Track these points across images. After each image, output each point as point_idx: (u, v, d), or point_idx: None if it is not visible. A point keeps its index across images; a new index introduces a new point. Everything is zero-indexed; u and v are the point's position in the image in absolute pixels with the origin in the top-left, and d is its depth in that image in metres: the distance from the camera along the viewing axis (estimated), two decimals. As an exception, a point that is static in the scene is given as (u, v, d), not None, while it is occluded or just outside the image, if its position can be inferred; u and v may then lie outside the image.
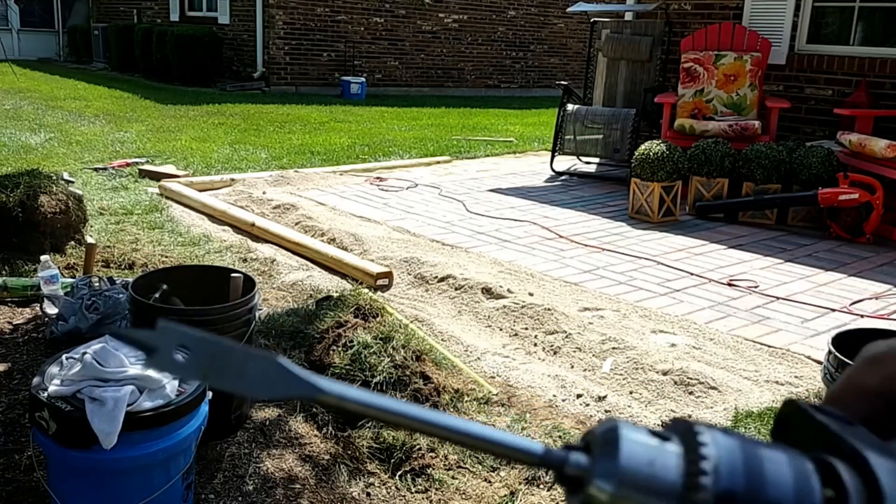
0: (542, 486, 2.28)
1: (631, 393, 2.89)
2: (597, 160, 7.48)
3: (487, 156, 8.24)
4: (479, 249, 4.61)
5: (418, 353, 2.83)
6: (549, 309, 3.53)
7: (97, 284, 3.10)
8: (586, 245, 4.79)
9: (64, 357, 1.98)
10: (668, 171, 5.36)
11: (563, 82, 7.48)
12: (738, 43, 6.33)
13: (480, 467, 2.38)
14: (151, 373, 1.90)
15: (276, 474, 2.29)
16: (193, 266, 3.24)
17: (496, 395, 2.82)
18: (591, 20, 7.44)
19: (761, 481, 0.25)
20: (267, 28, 13.31)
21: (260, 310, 3.21)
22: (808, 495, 0.26)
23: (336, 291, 3.51)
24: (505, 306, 3.62)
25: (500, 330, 3.46)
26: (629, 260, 4.50)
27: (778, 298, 3.91)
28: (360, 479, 2.32)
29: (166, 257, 4.14)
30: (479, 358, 3.14)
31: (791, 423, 0.29)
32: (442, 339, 3.28)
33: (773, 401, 2.82)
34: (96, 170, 6.29)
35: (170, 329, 0.27)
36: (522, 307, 3.58)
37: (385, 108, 11.96)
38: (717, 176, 5.57)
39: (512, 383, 2.93)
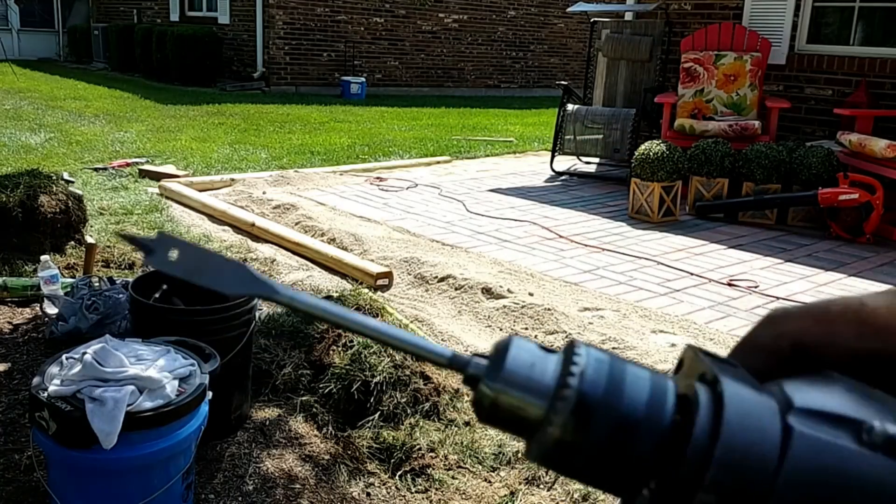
0: (542, 486, 2.28)
1: (631, 393, 2.89)
2: (597, 160, 7.48)
3: (487, 156, 8.24)
4: (479, 249, 4.61)
5: (418, 353, 2.83)
6: (549, 309, 3.53)
7: (97, 284, 3.10)
8: (586, 245, 4.79)
9: (64, 357, 1.98)
10: (668, 171, 5.36)
11: (563, 82, 7.49)
12: (738, 43, 6.33)
13: (480, 467, 2.38)
14: (151, 373, 1.90)
15: (276, 474, 2.30)
16: (193, 266, 3.24)
17: (496, 395, 2.82)
18: (591, 20, 7.44)
19: (620, 389, 0.29)
20: (267, 28, 13.31)
21: (260, 310, 3.21)
22: (659, 406, 0.29)
23: (336, 291, 3.51)
24: (505, 306, 3.62)
25: (500, 330, 3.46)
26: (629, 260, 4.50)
27: (778, 298, 3.91)
28: (360, 479, 2.32)
29: (166, 257, 4.14)
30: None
31: (683, 363, 0.33)
32: (442, 339, 3.29)
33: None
34: (96, 170, 6.29)
35: (165, 237, 0.33)
36: (522, 307, 3.58)
37: (385, 108, 11.96)
38: (717, 176, 5.57)
39: (512, 383, 2.93)
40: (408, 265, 4.17)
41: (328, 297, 3.31)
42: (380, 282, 3.91)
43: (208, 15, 14.56)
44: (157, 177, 6.08)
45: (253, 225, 4.83)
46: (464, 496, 2.27)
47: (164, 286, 2.55)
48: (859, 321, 0.31)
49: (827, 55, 6.19)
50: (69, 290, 3.13)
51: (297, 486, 2.26)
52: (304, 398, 2.67)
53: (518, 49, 16.61)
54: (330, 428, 2.56)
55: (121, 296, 3.04)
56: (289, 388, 2.73)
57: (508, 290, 3.77)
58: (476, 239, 4.85)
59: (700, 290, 4.02)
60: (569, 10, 7.93)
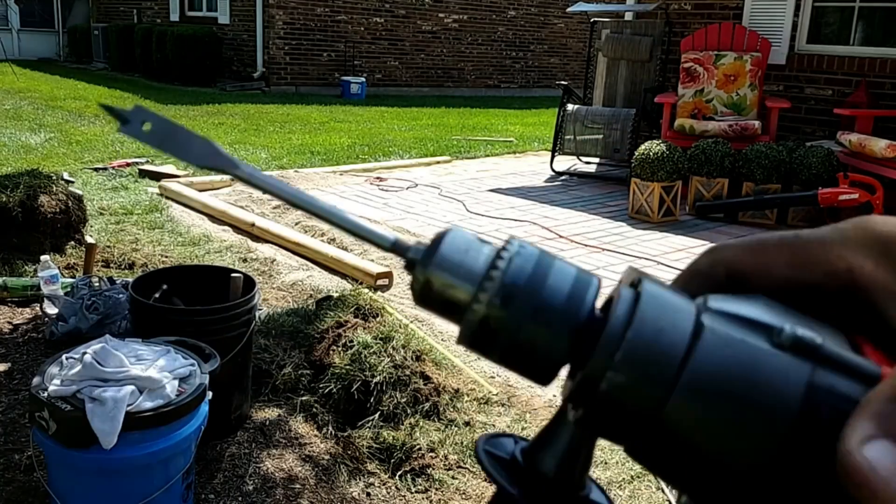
0: (542, 486, 2.28)
1: (631, 393, 2.89)
2: (597, 160, 7.48)
3: (487, 156, 8.24)
4: (479, 249, 4.61)
5: (418, 352, 2.83)
6: (549, 309, 3.53)
7: (97, 284, 3.10)
8: (586, 245, 4.79)
9: (64, 357, 1.98)
10: (668, 171, 5.36)
11: (563, 82, 7.49)
12: (738, 43, 6.33)
13: (480, 468, 2.38)
14: (151, 373, 1.90)
15: (276, 474, 2.30)
16: (193, 266, 3.24)
17: (496, 394, 2.82)
18: (591, 20, 7.44)
19: (544, 278, 0.31)
20: (267, 28, 13.31)
21: (260, 310, 3.21)
22: (580, 297, 0.31)
23: (336, 291, 3.51)
24: (505, 306, 3.61)
25: (500, 330, 3.46)
26: (629, 260, 4.51)
27: (778, 298, 3.91)
28: (360, 479, 2.32)
29: (166, 257, 4.14)
30: (479, 358, 3.14)
31: (622, 279, 0.34)
32: (442, 339, 3.29)
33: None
34: (96, 170, 6.29)
35: (142, 109, 0.35)
36: (522, 307, 3.58)
37: (385, 108, 11.96)
38: (717, 176, 5.57)
39: (512, 383, 2.93)
40: (408, 265, 4.17)
41: (327, 298, 3.31)
42: (380, 282, 3.91)
43: (208, 15, 14.56)
44: (157, 177, 6.08)
45: (253, 225, 4.83)
46: (464, 496, 2.27)
47: (164, 286, 2.55)
48: (791, 252, 0.32)
49: (827, 55, 6.19)
50: (69, 290, 3.13)
51: (297, 486, 2.26)
52: (304, 398, 2.67)
53: (518, 49, 16.61)
54: (330, 428, 2.56)
55: (121, 296, 3.04)
56: (289, 388, 2.73)
57: (508, 290, 3.77)
58: (476, 239, 4.85)
59: (700, 290, 4.02)
60: (569, 10, 7.93)
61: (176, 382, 1.93)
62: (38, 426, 1.84)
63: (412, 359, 2.77)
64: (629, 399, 0.29)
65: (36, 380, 1.90)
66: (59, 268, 3.48)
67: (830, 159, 5.29)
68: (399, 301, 3.73)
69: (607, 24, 7.28)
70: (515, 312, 0.30)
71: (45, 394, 1.84)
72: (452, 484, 2.30)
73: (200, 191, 5.65)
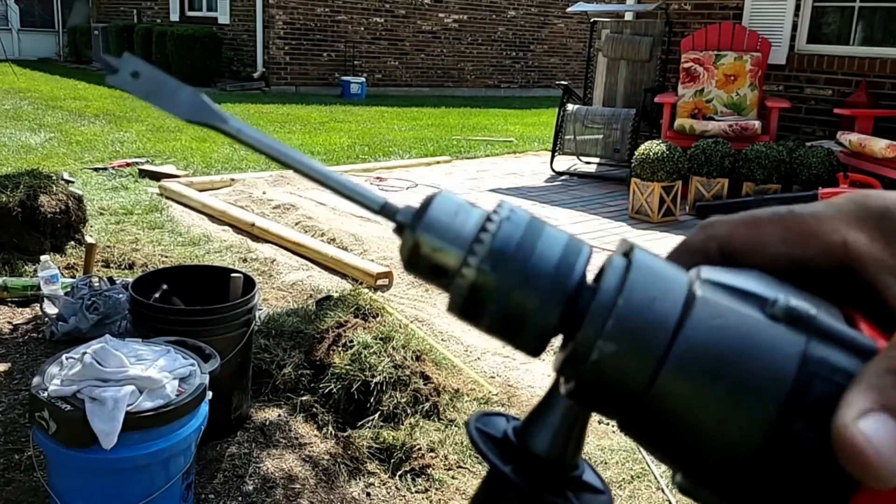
0: (542, 486, 2.28)
1: (631, 393, 2.89)
2: (597, 160, 7.48)
3: (487, 156, 8.24)
4: (479, 249, 4.61)
5: (418, 353, 2.83)
6: (549, 309, 3.53)
7: (97, 284, 3.10)
8: (586, 245, 4.79)
9: (64, 357, 1.98)
10: (668, 171, 5.36)
11: (563, 82, 7.49)
12: (738, 43, 6.33)
13: (480, 467, 2.38)
14: (151, 373, 1.90)
15: (276, 474, 2.30)
16: (193, 266, 3.24)
17: (496, 394, 2.83)
18: (591, 20, 7.44)
19: (533, 244, 0.30)
20: (267, 28, 13.31)
21: (260, 310, 3.21)
22: (570, 264, 0.30)
23: (336, 291, 3.51)
24: (505, 306, 3.61)
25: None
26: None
27: (778, 298, 3.91)
28: (360, 479, 2.32)
29: (166, 257, 4.14)
30: (479, 358, 3.14)
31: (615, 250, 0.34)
32: (442, 339, 3.29)
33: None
34: (96, 170, 6.29)
35: (131, 59, 0.34)
36: (522, 307, 3.58)
37: (385, 108, 11.96)
38: (717, 176, 5.57)
39: (512, 383, 2.93)
40: (408, 265, 4.17)
41: (327, 298, 3.31)
42: (380, 282, 3.91)
43: (208, 15, 14.56)
44: (157, 177, 6.08)
45: (253, 225, 4.83)
46: (464, 496, 2.27)
47: (164, 286, 2.56)
48: (785, 227, 0.32)
49: (827, 55, 6.19)
50: (69, 290, 3.13)
51: (297, 486, 2.26)
52: (304, 398, 2.67)
53: (518, 49, 16.61)
54: (330, 428, 2.56)
55: (121, 296, 3.04)
56: (289, 388, 2.73)
57: (508, 290, 3.77)
58: (476, 239, 4.85)
59: (700, 290, 4.02)
60: (569, 10, 7.93)
61: (176, 382, 1.93)
62: (38, 426, 1.84)
63: (412, 359, 2.77)
64: (620, 369, 0.28)
65: (36, 380, 1.90)
66: (59, 268, 3.48)
67: (830, 159, 5.29)
68: (399, 301, 3.73)
69: (607, 24, 7.28)
70: (504, 279, 0.29)
71: (45, 394, 1.84)
72: (452, 484, 2.30)
73: (200, 191, 5.65)
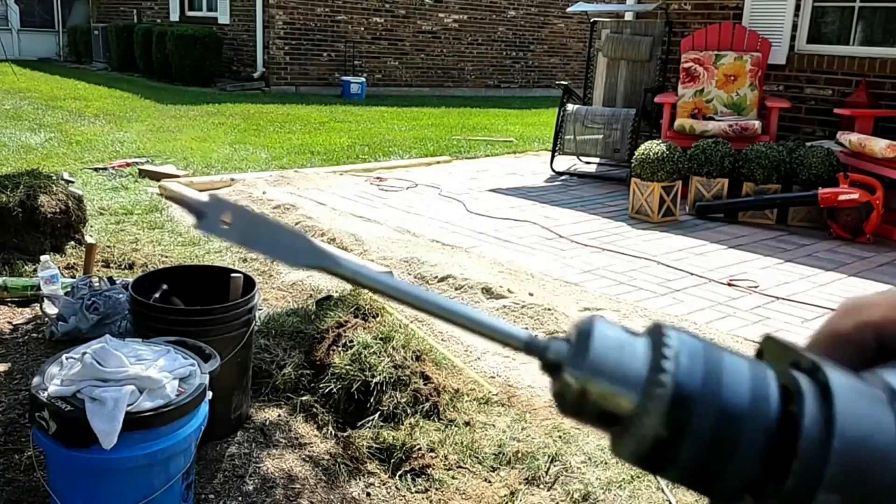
0: (542, 486, 2.28)
1: (631, 393, 2.89)
2: (597, 160, 7.48)
3: (487, 156, 8.24)
4: (479, 249, 4.61)
5: (418, 353, 2.83)
6: (549, 309, 3.53)
7: (97, 284, 3.10)
8: (586, 245, 4.79)
9: (64, 357, 1.98)
10: (668, 171, 5.36)
11: (563, 82, 7.49)
12: (738, 43, 6.33)
13: (480, 467, 2.38)
14: (151, 373, 1.90)
15: (276, 474, 2.30)
16: (193, 266, 3.24)
17: (496, 394, 2.82)
18: (591, 20, 7.44)
19: (719, 378, 0.26)
20: (267, 28, 13.31)
21: (260, 310, 3.21)
22: (764, 396, 0.26)
23: (336, 291, 3.51)
24: (505, 306, 3.62)
25: (500, 330, 3.45)
26: (629, 260, 4.50)
27: (778, 298, 3.91)
28: (360, 479, 2.32)
29: (166, 257, 4.14)
30: (479, 358, 3.14)
31: (764, 351, 0.30)
32: (442, 339, 3.29)
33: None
34: (96, 170, 6.29)
35: (217, 200, 0.30)
36: (522, 307, 3.58)
37: (385, 108, 11.96)
38: (717, 176, 5.56)
39: (512, 383, 2.93)
40: (408, 265, 4.17)
41: (327, 298, 3.31)
42: (380, 282, 3.91)
43: (208, 15, 14.56)
44: (157, 177, 6.08)
45: (253, 225, 4.83)
46: (464, 496, 2.27)
47: (164, 286, 2.55)
48: None
49: (827, 55, 6.19)
50: (69, 290, 3.13)
51: (297, 486, 2.26)
52: (304, 398, 2.67)
53: (518, 49, 16.61)
54: (330, 428, 2.56)
55: (121, 296, 3.04)
56: (289, 388, 2.73)
57: (508, 290, 3.77)
58: (476, 239, 4.85)
59: (700, 290, 4.02)
60: (569, 10, 7.93)
61: (176, 382, 1.93)
62: (38, 426, 1.84)
63: (412, 359, 2.77)
64: None
65: (36, 380, 1.90)
66: (59, 268, 3.48)
67: (830, 159, 5.29)
68: (399, 301, 3.72)
69: (607, 24, 7.28)
70: (697, 425, 0.26)
71: (45, 394, 1.84)
72: (452, 484, 2.30)
73: (200, 191, 5.65)
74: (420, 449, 2.41)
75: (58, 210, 4.01)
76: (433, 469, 2.34)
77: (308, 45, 13.72)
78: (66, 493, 1.90)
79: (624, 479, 2.32)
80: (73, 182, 4.74)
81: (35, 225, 3.91)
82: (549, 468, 2.38)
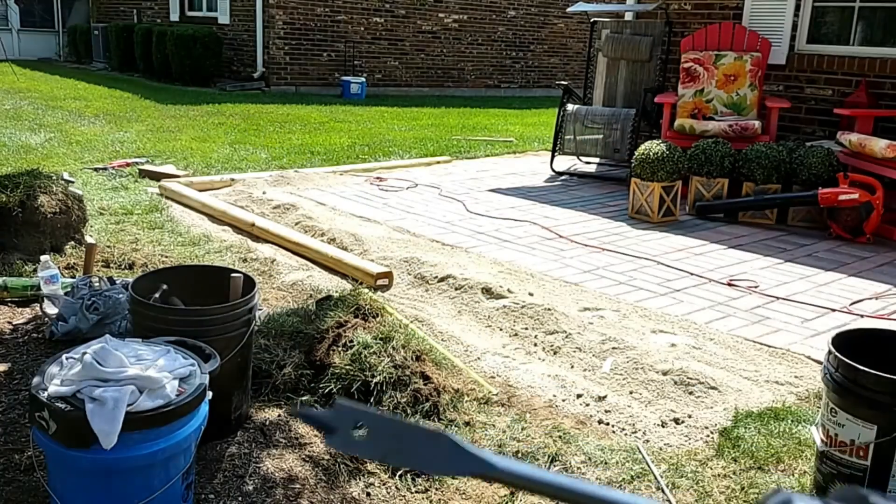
0: (542, 486, 2.28)
1: (631, 393, 2.89)
2: (597, 160, 7.48)
3: (487, 156, 8.24)
4: (479, 249, 4.61)
5: (418, 353, 2.83)
6: (549, 309, 3.53)
7: (97, 284, 3.10)
8: (586, 245, 4.79)
9: (64, 357, 1.98)
10: (668, 171, 5.36)
11: (563, 82, 7.49)
12: (738, 43, 6.33)
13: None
14: (151, 373, 1.90)
15: (276, 474, 2.30)
16: (193, 266, 3.24)
17: (496, 394, 2.82)
18: (591, 20, 7.44)
19: None
20: (267, 28, 13.31)
21: (260, 310, 3.21)
22: None
23: (336, 291, 3.51)
24: (505, 306, 3.62)
25: (500, 330, 3.46)
26: (629, 260, 4.50)
27: (778, 298, 3.91)
28: (360, 479, 2.32)
29: (166, 257, 4.14)
30: (479, 358, 3.14)
31: None
32: (442, 339, 3.28)
33: (773, 401, 2.82)
34: (96, 170, 6.29)
35: (346, 409, 0.28)
36: (522, 307, 3.58)
37: (385, 108, 11.96)
38: (717, 176, 5.57)
39: (512, 383, 2.93)
40: (408, 265, 4.17)
41: (327, 298, 3.31)
42: (380, 282, 3.91)
43: (208, 15, 14.56)
44: (157, 177, 6.08)
45: (253, 225, 4.83)
46: (464, 496, 2.27)
47: (164, 286, 2.55)
48: None
49: (827, 55, 6.19)
50: (69, 290, 3.13)
51: (297, 486, 2.26)
52: (304, 398, 2.67)
53: (518, 49, 16.61)
54: (330, 428, 2.55)
55: (121, 296, 3.04)
56: (289, 388, 2.73)
57: (508, 290, 3.77)
58: (476, 239, 4.85)
59: (700, 290, 4.02)
60: (569, 10, 7.93)
61: (176, 382, 1.93)
62: (38, 426, 1.84)
63: (412, 359, 2.77)
64: None
65: (36, 380, 1.90)
66: (59, 268, 3.48)
67: (830, 159, 5.29)
68: (399, 301, 3.73)
69: (607, 24, 7.29)
70: None
71: (45, 394, 1.84)
72: (452, 484, 2.30)
73: (200, 191, 5.65)
74: (420, 449, 2.40)
75: (58, 210, 4.01)
76: (433, 469, 2.34)
77: (308, 45, 13.72)
78: (66, 494, 1.90)
79: (624, 479, 2.33)
80: (73, 182, 4.74)
81: (35, 225, 3.91)
82: (549, 468, 2.38)
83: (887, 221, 5.11)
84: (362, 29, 14.29)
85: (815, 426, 2.28)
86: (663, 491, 2.28)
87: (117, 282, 3.18)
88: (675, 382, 2.91)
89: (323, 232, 4.80)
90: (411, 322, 3.32)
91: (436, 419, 2.59)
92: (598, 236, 5.01)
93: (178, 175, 6.18)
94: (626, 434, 2.61)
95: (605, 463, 2.39)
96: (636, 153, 5.55)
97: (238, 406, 2.49)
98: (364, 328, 2.91)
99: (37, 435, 1.87)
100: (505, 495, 2.26)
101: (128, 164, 6.51)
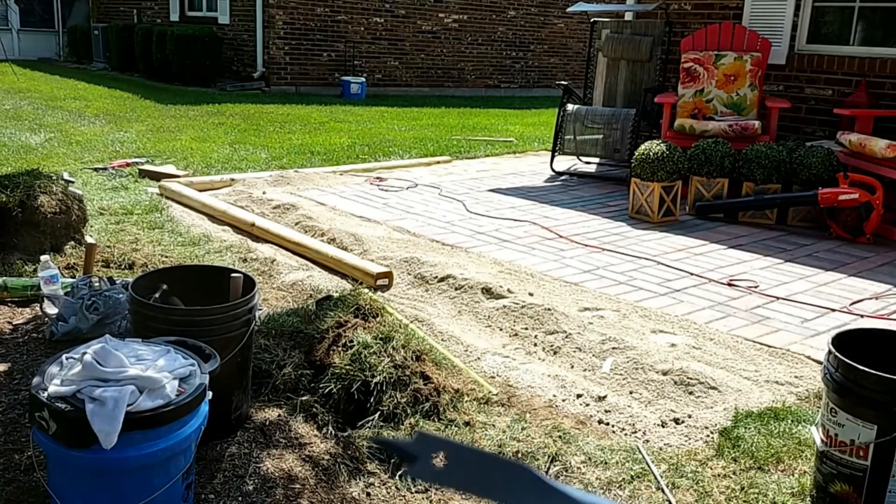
0: (542, 486, 2.28)
1: (631, 393, 2.89)
2: (597, 160, 7.48)
3: (487, 156, 8.24)
4: (479, 249, 4.61)
5: (418, 353, 2.83)
6: (549, 309, 3.53)
7: (97, 284, 3.10)
8: (586, 245, 4.79)
9: (64, 357, 1.98)
10: (668, 171, 5.36)
11: (563, 82, 7.49)
12: (738, 43, 6.33)
13: (480, 467, 2.38)
14: (151, 373, 1.90)
15: (276, 474, 2.29)
16: (193, 266, 3.24)
17: (496, 395, 2.82)
18: (591, 20, 7.44)
19: None
20: (267, 28, 13.31)
21: (260, 310, 3.21)
22: None
23: (336, 291, 3.51)
24: (505, 306, 3.62)
25: (500, 330, 3.46)
26: (629, 260, 4.50)
27: (778, 298, 3.91)
28: (360, 479, 2.32)
29: (166, 257, 4.14)
30: (479, 358, 3.14)
31: None
32: (442, 339, 3.28)
33: (773, 401, 2.82)
34: (96, 170, 6.29)
35: (427, 438, 0.27)
36: (522, 307, 3.58)
37: (385, 108, 11.96)
38: (717, 176, 5.57)
39: (512, 383, 2.93)
40: (408, 265, 4.17)
41: (327, 298, 3.31)
42: (380, 282, 3.91)
43: (208, 15, 14.56)
44: (157, 177, 6.08)
45: (253, 225, 4.83)
46: (464, 496, 2.27)
47: (164, 286, 2.55)
48: None
49: (827, 55, 6.19)
50: (69, 290, 3.13)
51: (297, 486, 2.26)
52: (304, 398, 2.67)
53: (518, 49, 16.61)
54: (330, 428, 2.56)
55: (121, 296, 3.04)
56: (289, 388, 2.73)
57: (508, 290, 3.77)
58: (476, 239, 4.85)
59: (700, 290, 4.02)
60: (569, 10, 7.93)
61: (176, 382, 1.93)
62: (38, 426, 1.84)
63: (412, 359, 2.76)
64: None
65: (36, 380, 1.90)
66: (59, 268, 3.48)
67: (830, 159, 5.29)
68: (399, 301, 3.73)
69: (607, 24, 7.29)
70: None
71: (45, 394, 1.84)
72: (452, 484, 2.30)
73: (200, 191, 5.65)
74: (420, 449, 2.40)
75: (58, 210, 4.01)
76: (433, 469, 2.34)
77: (308, 45, 13.73)
78: (66, 494, 1.90)
79: (624, 479, 2.32)
80: (73, 182, 4.74)
81: (35, 225, 3.91)
82: (549, 468, 2.38)
83: (887, 221, 5.11)
84: (362, 29, 14.29)
85: (815, 426, 2.28)
86: (663, 491, 2.28)
87: (117, 282, 3.18)
88: (675, 382, 2.91)
89: (323, 232, 4.80)
90: (411, 322, 3.32)
91: (436, 419, 2.59)
92: (598, 236, 5.01)
93: (178, 175, 6.18)
94: (626, 434, 2.61)
95: (605, 463, 2.39)
96: (636, 153, 5.55)
97: (238, 406, 2.49)
98: (364, 328, 2.91)
99: (37, 435, 1.87)
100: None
101: (128, 164, 6.51)
